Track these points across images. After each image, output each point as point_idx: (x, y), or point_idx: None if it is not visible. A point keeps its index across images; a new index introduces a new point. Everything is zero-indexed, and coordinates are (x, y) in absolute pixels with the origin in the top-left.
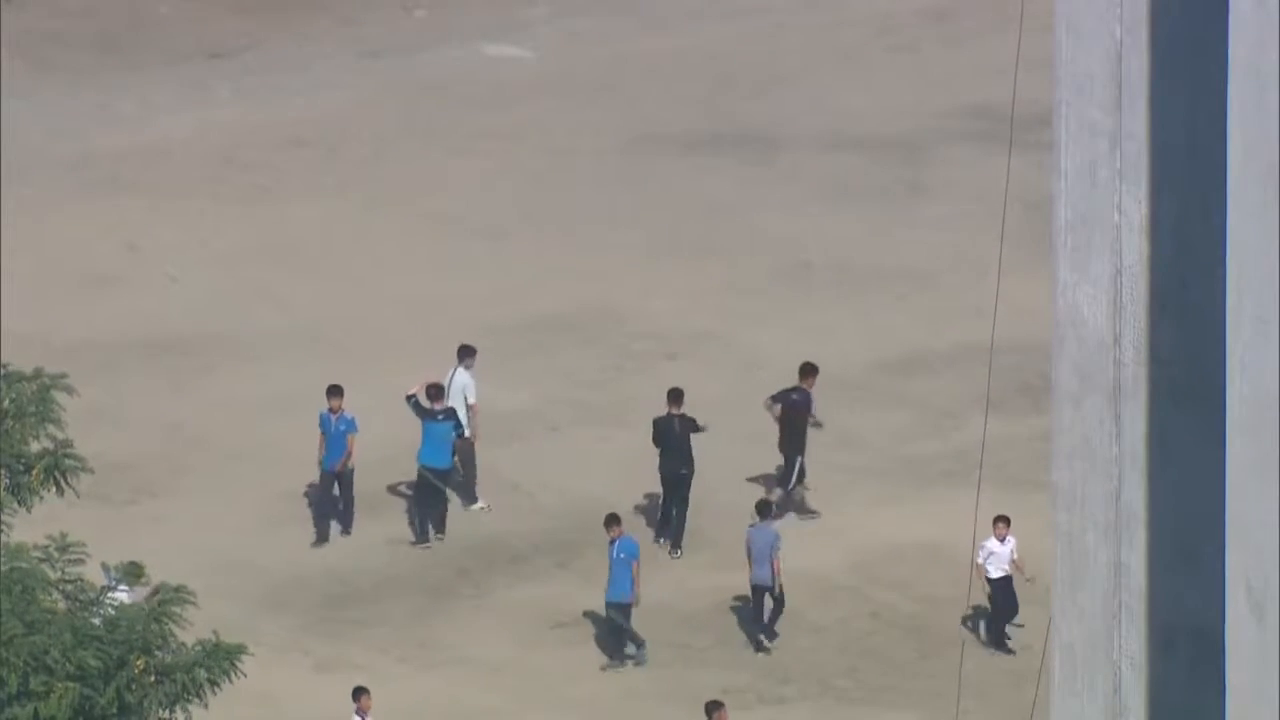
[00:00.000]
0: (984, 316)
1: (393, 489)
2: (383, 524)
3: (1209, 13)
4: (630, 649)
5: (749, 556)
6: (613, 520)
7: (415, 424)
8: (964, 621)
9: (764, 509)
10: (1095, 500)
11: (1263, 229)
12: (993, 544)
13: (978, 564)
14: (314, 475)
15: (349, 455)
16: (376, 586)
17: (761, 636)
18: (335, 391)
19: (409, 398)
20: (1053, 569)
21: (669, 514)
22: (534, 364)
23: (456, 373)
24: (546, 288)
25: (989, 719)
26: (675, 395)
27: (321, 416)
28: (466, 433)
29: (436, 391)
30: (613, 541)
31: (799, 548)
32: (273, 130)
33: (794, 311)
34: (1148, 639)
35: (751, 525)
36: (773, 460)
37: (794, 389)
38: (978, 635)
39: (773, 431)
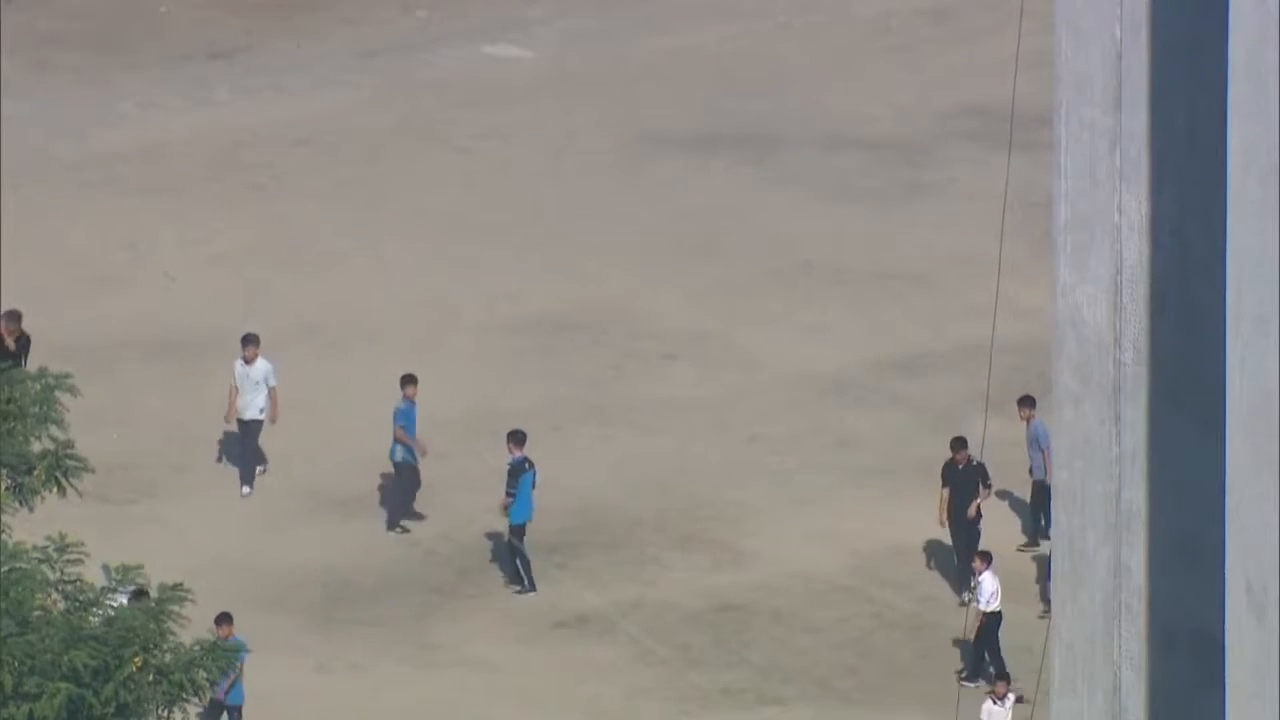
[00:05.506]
0: (984, 316)
1: (393, 489)
2: (384, 524)
3: (1209, 13)
4: None
5: (1029, 447)
6: (223, 619)
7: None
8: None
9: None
10: (1095, 500)
11: (1263, 229)
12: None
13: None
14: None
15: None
16: (376, 586)
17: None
18: (411, 380)
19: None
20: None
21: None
22: (534, 364)
23: (257, 363)
24: (546, 288)
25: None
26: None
27: (400, 410)
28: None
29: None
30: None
31: (798, 548)
32: (273, 130)
33: (794, 311)
34: (1148, 639)
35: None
36: (772, 458)
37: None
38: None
39: (771, 430)
